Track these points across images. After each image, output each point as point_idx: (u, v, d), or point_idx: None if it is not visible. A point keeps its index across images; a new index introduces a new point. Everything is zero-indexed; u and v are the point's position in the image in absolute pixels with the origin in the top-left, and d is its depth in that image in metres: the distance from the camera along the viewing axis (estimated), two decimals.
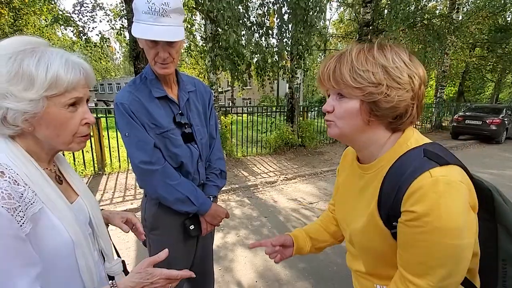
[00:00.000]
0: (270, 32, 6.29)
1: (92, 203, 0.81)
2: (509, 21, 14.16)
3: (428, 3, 11.54)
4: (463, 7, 11.77)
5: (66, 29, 7.83)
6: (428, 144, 0.67)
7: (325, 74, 0.72)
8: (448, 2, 12.08)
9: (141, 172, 1.20)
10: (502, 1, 11.03)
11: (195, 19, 8.98)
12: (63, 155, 0.80)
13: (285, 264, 2.68)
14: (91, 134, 5.11)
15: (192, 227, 1.31)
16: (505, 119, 9.86)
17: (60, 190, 0.70)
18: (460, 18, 11.14)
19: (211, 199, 1.37)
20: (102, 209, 0.96)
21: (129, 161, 1.22)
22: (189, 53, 9.56)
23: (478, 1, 11.69)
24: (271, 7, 6.28)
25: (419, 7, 9.57)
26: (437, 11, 12.56)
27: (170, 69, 1.19)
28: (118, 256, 0.92)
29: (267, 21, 6.41)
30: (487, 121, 9.61)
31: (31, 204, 0.60)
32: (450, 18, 10.21)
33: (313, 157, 7.11)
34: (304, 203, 4.24)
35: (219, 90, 6.55)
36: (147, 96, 1.22)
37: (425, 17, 9.41)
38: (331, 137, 0.77)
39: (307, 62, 8.22)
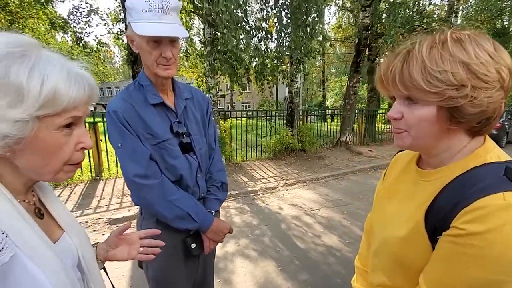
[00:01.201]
0: (269, 36, 6.24)
1: (82, 238, 0.67)
2: (506, 26, 14.21)
3: (427, 8, 11.56)
4: (462, 12, 11.79)
5: (63, 36, 7.76)
6: None
7: (389, 77, 0.61)
8: (446, 7, 12.12)
9: (136, 187, 1.11)
10: (499, 6, 11.06)
11: (193, 23, 8.94)
12: None
13: (286, 276, 2.58)
14: None
15: (193, 245, 1.21)
16: (506, 123, 9.84)
17: (41, 227, 0.55)
18: (459, 22, 11.16)
19: (213, 213, 1.28)
20: (96, 244, 0.82)
21: (123, 175, 1.12)
22: (187, 56, 9.51)
23: (475, 6, 11.75)
24: (270, 11, 6.24)
25: (418, 11, 9.58)
26: (435, 15, 12.59)
27: (173, 70, 1.12)
28: None
29: (266, 25, 6.37)
30: None
31: None
32: (449, 23, 10.21)
33: (313, 162, 7.03)
34: (306, 210, 4.15)
35: (219, 94, 6.47)
36: (142, 103, 1.13)
37: (424, 21, 9.40)
38: (400, 147, 0.68)
39: (307, 66, 8.18)
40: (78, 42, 7.01)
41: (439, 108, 0.57)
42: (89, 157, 5.19)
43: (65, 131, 0.53)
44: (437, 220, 0.58)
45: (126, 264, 2.70)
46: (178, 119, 1.20)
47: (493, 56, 0.55)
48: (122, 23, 6.32)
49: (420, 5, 10.36)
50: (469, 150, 0.62)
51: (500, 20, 13.66)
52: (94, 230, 3.42)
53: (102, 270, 0.82)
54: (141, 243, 0.88)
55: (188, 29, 8.43)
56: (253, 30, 6.14)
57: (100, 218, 3.65)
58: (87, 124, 5.00)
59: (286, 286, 2.45)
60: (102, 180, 5.19)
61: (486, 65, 0.54)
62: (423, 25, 9.44)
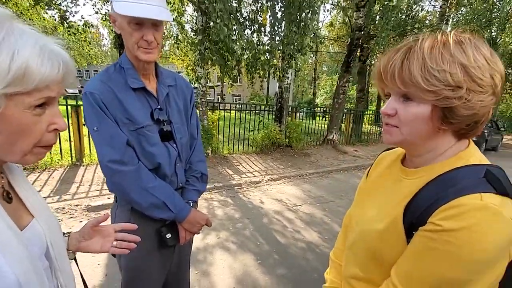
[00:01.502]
0: (262, 29, 6.17)
1: (52, 226, 0.63)
2: (494, 36, 14.60)
3: (419, 13, 11.72)
4: (453, 19, 12.02)
5: (47, 13, 7.38)
6: (492, 166, 0.59)
7: (389, 72, 0.61)
8: (438, 14, 12.32)
9: (111, 172, 1.06)
10: (488, 16, 11.34)
11: (185, 10, 8.73)
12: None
13: (264, 270, 2.59)
14: (70, 122, 4.84)
15: (168, 235, 1.18)
16: (485, 131, 10.17)
17: (8, 212, 0.52)
18: (449, 29, 11.37)
19: (191, 204, 1.25)
20: (69, 233, 0.79)
21: (98, 160, 1.08)
22: (178, 44, 9.30)
23: (466, 15, 12.01)
24: (265, 3, 6.17)
25: (410, 16, 9.70)
26: (427, 21, 12.78)
27: (154, 54, 1.07)
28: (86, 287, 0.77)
29: (260, 17, 6.29)
30: None
31: None
32: (439, 29, 10.40)
33: (299, 158, 7.07)
34: (288, 205, 4.17)
35: (208, 85, 6.37)
36: (122, 87, 1.08)
37: (416, 26, 9.54)
38: (389, 144, 0.68)
39: (299, 63, 8.17)
40: (62, 21, 6.70)
41: (434, 107, 0.58)
42: (70, 141, 5.03)
43: (37, 110, 0.49)
44: (415, 216, 0.59)
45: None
46: (159, 106, 1.16)
47: (489, 61, 0.56)
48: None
49: (413, 10, 10.49)
50: (453, 152, 0.63)
51: (488, 31, 14.03)
52: (72, 217, 3.33)
53: (73, 260, 0.78)
54: (115, 236, 0.85)
55: (180, 16, 8.21)
56: (247, 22, 6.05)
57: (78, 205, 3.56)
58: (69, 107, 4.83)
59: (264, 280, 2.46)
60: (83, 165, 5.05)
61: (482, 69, 0.56)
62: (414, 30, 9.59)
